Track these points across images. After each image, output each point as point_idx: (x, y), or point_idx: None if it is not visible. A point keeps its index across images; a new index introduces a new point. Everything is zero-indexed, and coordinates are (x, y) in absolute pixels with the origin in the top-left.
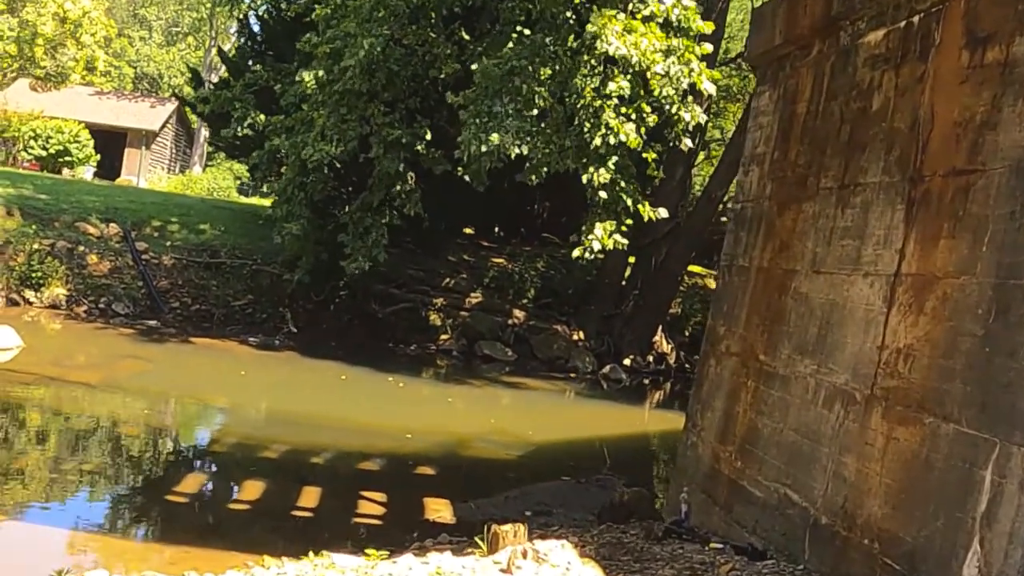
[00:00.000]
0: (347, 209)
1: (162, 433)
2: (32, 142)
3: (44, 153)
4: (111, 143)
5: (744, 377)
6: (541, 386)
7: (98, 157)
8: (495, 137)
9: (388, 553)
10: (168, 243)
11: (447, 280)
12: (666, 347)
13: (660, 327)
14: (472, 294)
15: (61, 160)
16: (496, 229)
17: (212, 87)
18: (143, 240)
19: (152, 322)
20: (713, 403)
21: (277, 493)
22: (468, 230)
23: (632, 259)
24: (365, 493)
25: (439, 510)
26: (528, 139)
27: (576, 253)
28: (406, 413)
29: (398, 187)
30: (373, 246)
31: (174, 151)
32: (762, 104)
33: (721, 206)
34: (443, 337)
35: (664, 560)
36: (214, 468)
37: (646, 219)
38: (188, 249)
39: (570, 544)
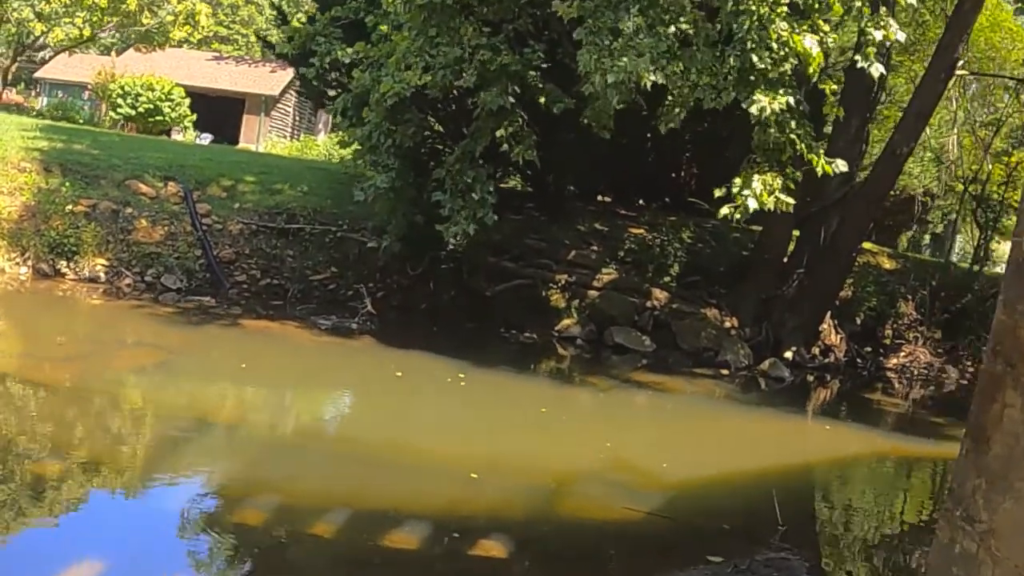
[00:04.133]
0: (445, 160)
1: (63, 481)
2: (120, 100)
3: (133, 112)
4: (229, 110)
5: None
6: (683, 387)
7: (194, 116)
8: (624, 62)
9: None
10: (237, 205)
11: (573, 253)
12: (834, 337)
13: (828, 313)
14: (603, 270)
15: (152, 120)
16: (637, 197)
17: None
18: (207, 202)
19: (206, 299)
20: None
21: None
22: (606, 198)
23: (796, 232)
24: None
25: None
26: (667, 64)
27: (723, 212)
28: (487, 434)
29: (503, 129)
30: (479, 205)
31: (297, 117)
32: None
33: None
34: (566, 322)
35: None
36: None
37: (820, 173)
38: (260, 213)
39: None
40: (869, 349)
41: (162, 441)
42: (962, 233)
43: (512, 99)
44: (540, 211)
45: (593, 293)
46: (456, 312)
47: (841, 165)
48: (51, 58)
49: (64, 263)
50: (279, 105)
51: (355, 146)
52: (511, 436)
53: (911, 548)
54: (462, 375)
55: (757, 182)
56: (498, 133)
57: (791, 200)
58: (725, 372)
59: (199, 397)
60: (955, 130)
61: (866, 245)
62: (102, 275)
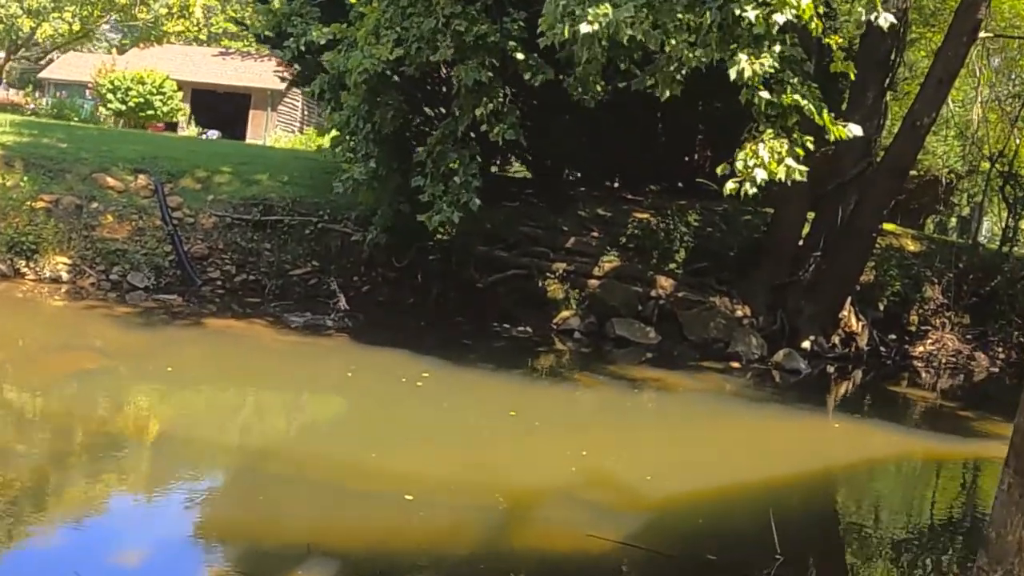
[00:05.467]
0: (426, 142)
1: None
2: (110, 96)
3: (123, 107)
4: (236, 105)
5: None
6: (686, 383)
7: (187, 109)
8: (605, 9)
9: None
10: (211, 197)
11: (573, 240)
12: (855, 325)
13: (848, 299)
14: (604, 258)
15: (143, 114)
16: (648, 182)
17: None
18: (179, 194)
19: (172, 297)
20: None
21: None
22: (614, 184)
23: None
24: None
25: None
26: (647, 16)
27: (729, 187)
28: (434, 444)
29: (482, 107)
30: (462, 190)
31: (306, 112)
32: None
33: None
34: (564, 314)
35: None
36: None
37: (832, 138)
38: (235, 205)
39: None
40: (893, 337)
41: (39, 463)
42: (989, 214)
43: (491, 73)
44: (539, 197)
45: (593, 283)
46: (447, 306)
47: (855, 129)
48: (44, 57)
49: (24, 263)
50: (286, 100)
51: (333, 133)
52: (465, 446)
53: None
54: (425, 374)
55: (764, 149)
56: (477, 111)
57: (803, 168)
58: (736, 365)
59: (112, 407)
60: (979, 100)
61: (888, 227)
62: (64, 274)
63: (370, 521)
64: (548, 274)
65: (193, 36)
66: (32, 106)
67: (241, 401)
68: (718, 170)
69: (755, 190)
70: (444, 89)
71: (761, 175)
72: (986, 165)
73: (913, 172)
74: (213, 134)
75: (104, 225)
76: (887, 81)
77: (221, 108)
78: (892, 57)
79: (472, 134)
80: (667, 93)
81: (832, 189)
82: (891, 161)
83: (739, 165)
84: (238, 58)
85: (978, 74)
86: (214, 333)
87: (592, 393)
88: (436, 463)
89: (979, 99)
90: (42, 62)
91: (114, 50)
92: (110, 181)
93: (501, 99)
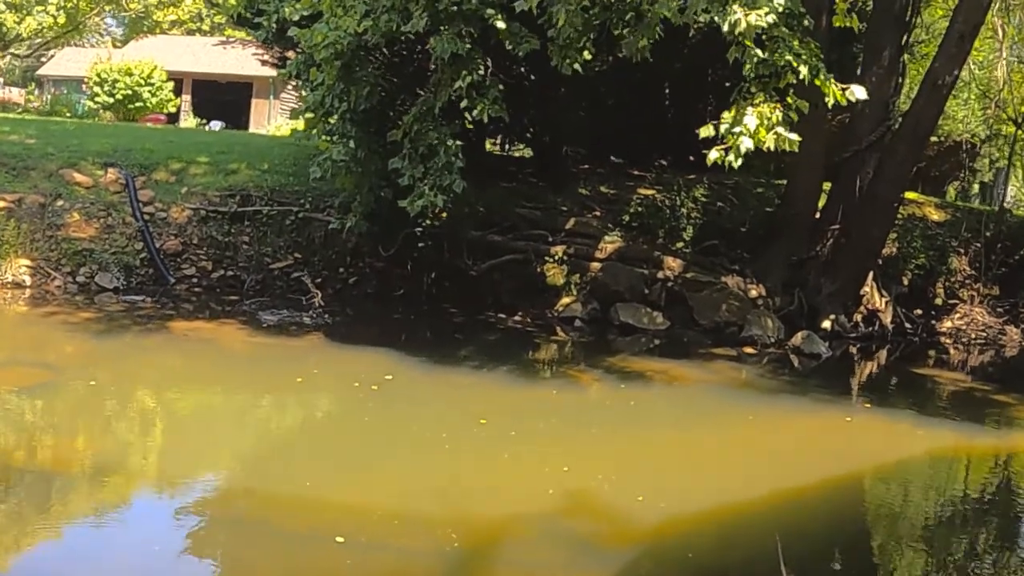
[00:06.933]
0: (403, 121)
1: None
2: (97, 88)
3: (110, 100)
4: (238, 95)
5: None
6: (693, 374)
7: (178, 101)
8: None
9: None
10: (185, 189)
11: (573, 221)
12: (879, 301)
13: (870, 274)
14: (606, 238)
15: (131, 106)
16: (656, 157)
17: None
18: (151, 188)
19: (140, 298)
20: None
21: None
22: (619, 160)
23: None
24: None
25: None
26: None
27: (713, 156)
28: (379, 466)
29: (461, 80)
30: (444, 171)
31: None
32: None
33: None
34: (565, 300)
35: None
36: None
37: (830, 102)
38: (210, 197)
39: None
40: (919, 312)
41: None
42: (1013, 179)
43: (469, 44)
44: (538, 177)
45: (595, 266)
46: (439, 296)
47: (859, 92)
48: (45, 54)
49: None
50: (289, 87)
51: (308, 115)
52: (416, 468)
53: None
54: (388, 376)
55: (751, 114)
56: (455, 84)
57: (795, 137)
58: (750, 350)
59: (26, 433)
60: (1003, 59)
61: (909, 195)
62: (27, 279)
63: (290, 570)
64: (547, 258)
65: (194, 27)
66: (23, 104)
67: (160, 420)
68: (700, 132)
69: (740, 161)
70: (418, 61)
71: (747, 144)
72: (1010, 128)
73: (933, 138)
74: (216, 125)
75: (70, 224)
76: (904, 40)
77: (223, 98)
78: (908, 14)
79: (466, 115)
80: (643, 42)
81: (849, 157)
82: (911, 125)
83: (723, 129)
84: (239, 46)
85: (1000, 34)
86: (176, 338)
87: (584, 392)
88: (378, 492)
89: (1003, 57)
90: (44, 59)
91: (109, 43)
92: (78, 177)
93: (482, 72)
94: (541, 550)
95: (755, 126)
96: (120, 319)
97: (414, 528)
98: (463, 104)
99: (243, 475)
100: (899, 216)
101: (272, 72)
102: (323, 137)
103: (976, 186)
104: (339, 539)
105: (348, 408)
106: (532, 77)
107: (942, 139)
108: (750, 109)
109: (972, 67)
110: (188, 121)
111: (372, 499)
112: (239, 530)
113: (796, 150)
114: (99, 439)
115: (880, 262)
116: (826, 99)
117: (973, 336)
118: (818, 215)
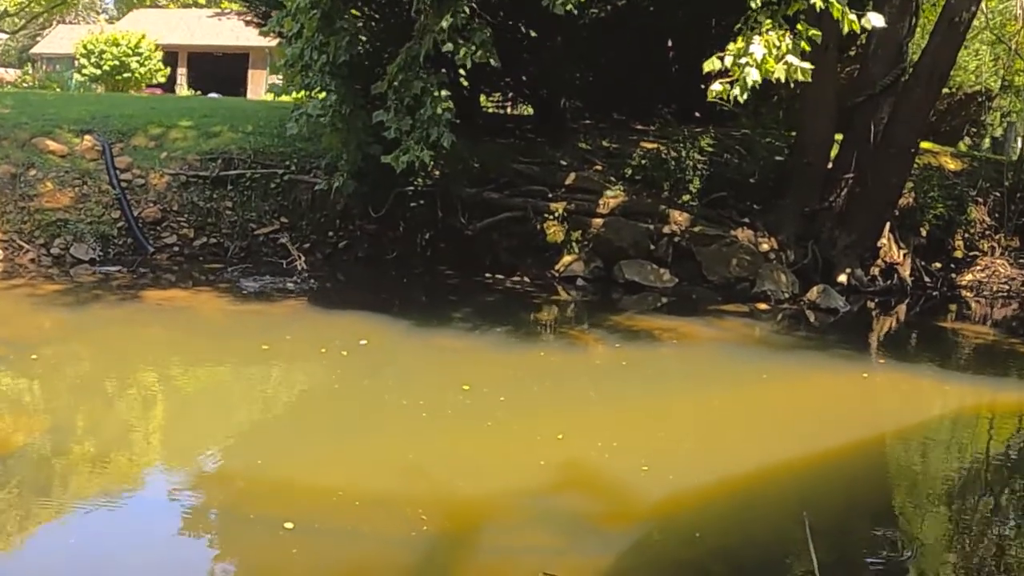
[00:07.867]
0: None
1: None
2: (83, 60)
3: (97, 72)
4: (234, 65)
5: None
6: (703, 332)
7: (167, 71)
8: None
9: None
10: (164, 154)
11: (573, 176)
12: (896, 253)
13: (887, 226)
14: (608, 193)
15: (119, 77)
16: (662, 111)
17: None
18: (130, 154)
19: (115, 269)
20: None
21: None
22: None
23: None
24: None
25: None
26: None
27: (716, 89)
28: (341, 440)
29: (444, 21)
30: (431, 124)
31: None
32: None
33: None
34: (567, 259)
35: None
36: None
37: (845, 30)
38: (191, 161)
39: None
40: (938, 265)
41: None
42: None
43: None
44: (537, 132)
45: (598, 222)
46: (434, 258)
47: (875, 19)
48: (21, 29)
49: None
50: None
51: (287, 70)
52: (386, 440)
53: None
54: (363, 341)
55: (758, 43)
56: (438, 27)
57: (808, 66)
58: (763, 307)
59: None
60: (1019, 6)
61: (925, 145)
62: None
63: (225, 563)
64: (546, 215)
65: (189, 1)
66: (15, 83)
67: (97, 397)
68: (705, 66)
69: (746, 95)
70: (407, 13)
71: (754, 75)
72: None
73: (944, 90)
74: (214, 97)
75: (43, 194)
76: None
77: (220, 70)
78: None
79: (460, 70)
80: None
81: (862, 102)
82: (927, 66)
83: (728, 61)
84: (234, 17)
85: None
86: (147, 308)
87: (585, 352)
88: (337, 470)
89: (1019, 5)
90: (38, 39)
91: (102, 18)
92: (52, 145)
93: (467, 12)
94: (528, 533)
95: (762, 55)
96: (91, 290)
97: (377, 511)
98: (446, 48)
99: (185, 453)
100: (915, 165)
101: (267, 42)
102: (302, 92)
103: (987, 140)
104: (288, 525)
105: (314, 377)
106: (524, 28)
107: (954, 90)
108: (756, 38)
109: (985, 11)
110: (183, 93)
111: (330, 479)
112: (176, 516)
113: (808, 79)
114: (29, 419)
115: (897, 213)
116: (840, 27)
117: (995, 289)
118: (831, 164)
